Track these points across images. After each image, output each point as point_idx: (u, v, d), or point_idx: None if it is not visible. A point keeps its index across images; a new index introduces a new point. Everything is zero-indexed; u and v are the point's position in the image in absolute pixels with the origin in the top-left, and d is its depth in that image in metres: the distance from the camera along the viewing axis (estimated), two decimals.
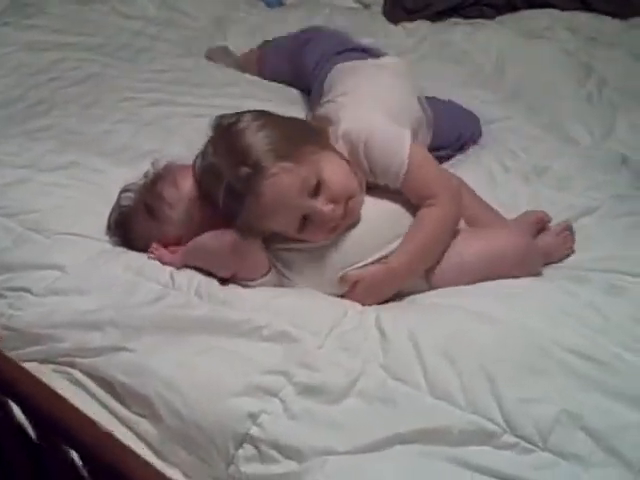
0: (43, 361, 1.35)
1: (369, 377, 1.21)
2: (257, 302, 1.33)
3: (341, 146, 1.44)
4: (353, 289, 1.39)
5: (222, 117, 1.39)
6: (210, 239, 1.38)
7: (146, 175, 1.53)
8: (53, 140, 1.80)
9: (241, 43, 2.36)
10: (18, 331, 1.38)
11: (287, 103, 1.99)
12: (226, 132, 1.36)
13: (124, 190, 1.53)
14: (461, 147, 1.84)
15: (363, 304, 1.37)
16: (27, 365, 1.33)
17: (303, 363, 1.22)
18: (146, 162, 1.61)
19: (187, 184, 1.44)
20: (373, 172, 1.42)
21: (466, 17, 2.43)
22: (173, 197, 1.44)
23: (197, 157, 1.41)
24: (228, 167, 1.31)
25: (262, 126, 1.34)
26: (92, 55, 2.20)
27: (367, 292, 1.38)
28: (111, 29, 2.38)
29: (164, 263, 1.42)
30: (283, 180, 1.30)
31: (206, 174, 1.37)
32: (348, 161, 1.42)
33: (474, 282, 1.37)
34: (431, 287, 1.40)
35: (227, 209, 1.34)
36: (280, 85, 2.11)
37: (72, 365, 1.32)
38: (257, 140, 1.31)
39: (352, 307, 1.36)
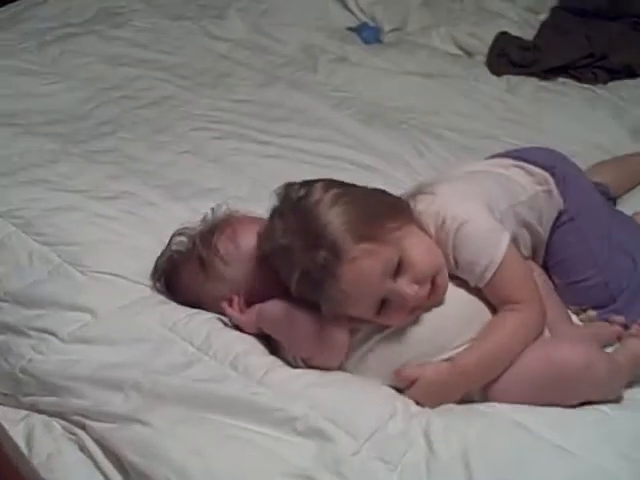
0: (55, 415, 1.25)
1: None
2: (296, 387, 1.19)
3: (424, 222, 1.29)
4: (411, 386, 1.23)
5: (290, 187, 1.25)
6: (291, 314, 1.24)
7: (204, 220, 1.40)
8: (112, 165, 1.71)
9: (329, 75, 2.24)
10: (36, 378, 1.28)
11: (368, 152, 1.86)
12: (296, 207, 1.21)
13: (178, 234, 1.41)
14: None
15: (420, 405, 1.22)
16: (38, 417, 1.26)
17: (334, 470, 1.08)
18: (204, 201, 1.52)
19: (247, 241, 1.31)
20: (457, 263, 1.27)
21: (577, 78, 2.23)
22: (229, 253, 1.32)
23: (265, 232, 1.27)
24: (302, 251, 1.17)
25: (336, 201, 1.19)
26: (169, 76, 2.11)
27: (426, 392, 1.22)
28: (195, 49, 2.27)
29: (235, 322, 1.29)
30: (365, 264, 1.16)
31: (277, 256, 1.23)
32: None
33: (537, 398, 1.20)
34: (485, 397, 1.23)
35: (301, 295, 1.21)
36: (367, 131, 1.96)
37: (83, 426, 1.22)
38: (332, 219, 1.17)
39: (404, 407, 1.19)
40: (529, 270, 1.30)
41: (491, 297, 1.27)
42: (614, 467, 1.08)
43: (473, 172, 1.48)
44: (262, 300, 1.28)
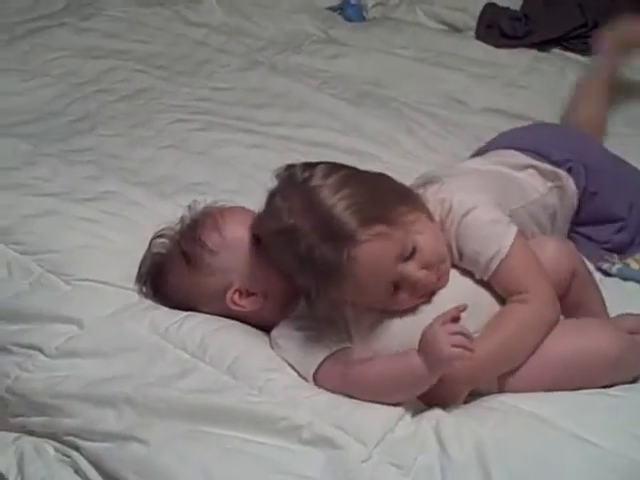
0: (47, 436, 1.19)
1: None
2: (300, 393, 1.13)
3: (431, 209, 1.25)
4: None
5: (291, 169, 1.20)
6: None
7: (182, 220, 1.34)
8: (91, 164, 1.63)
9: (312, 56, 2.15)
10: (23, 398, 1.22)
11: (357, 135, 1.80)
12: (301, 189, 1.16)
13: (157, 236, 1.35)
14: None
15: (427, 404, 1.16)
16: (29, 440, 1.19)
17: (345, 479, 1.03)
18: (190, 196, 1.44)
19: (232, 228, 1.27)
20: (461, 253, 1.22)
21: (570, 49, 2.17)
22: (216, 243, 1.26)
23: (267, 212, 1.21)
24: (312, 232, 1.12)
25: (341, 185, 1.15)
26: (146, 66, 2.02)
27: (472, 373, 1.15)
28: (171, 37, 2.18)
29: None
30: (378, 246, 1.13)
31: (281, 238, 1.16)
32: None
33: (557, 388, 1.16)
34: (501, 389, 1.18)
35: (307, 281, 1.15)
36: (354, 112, 1.89)
37: (76, 447, 1.15)
38: (339, 202, 1.13)
39: (412, 407, 1.14)
40: (537, 259, 1.24)
41: (498, 289, 1.22)
42: (631, 451, 1.04)
43: (484, 171, 1.44)
44: (262, 286, 1.24)
